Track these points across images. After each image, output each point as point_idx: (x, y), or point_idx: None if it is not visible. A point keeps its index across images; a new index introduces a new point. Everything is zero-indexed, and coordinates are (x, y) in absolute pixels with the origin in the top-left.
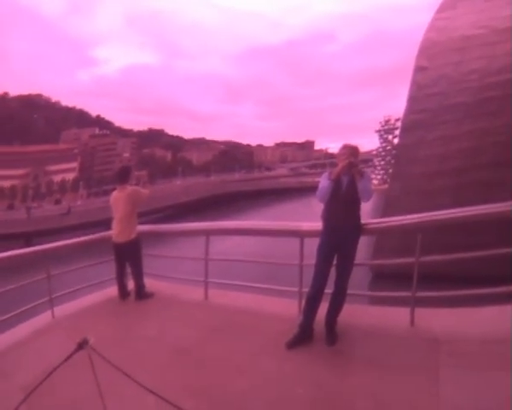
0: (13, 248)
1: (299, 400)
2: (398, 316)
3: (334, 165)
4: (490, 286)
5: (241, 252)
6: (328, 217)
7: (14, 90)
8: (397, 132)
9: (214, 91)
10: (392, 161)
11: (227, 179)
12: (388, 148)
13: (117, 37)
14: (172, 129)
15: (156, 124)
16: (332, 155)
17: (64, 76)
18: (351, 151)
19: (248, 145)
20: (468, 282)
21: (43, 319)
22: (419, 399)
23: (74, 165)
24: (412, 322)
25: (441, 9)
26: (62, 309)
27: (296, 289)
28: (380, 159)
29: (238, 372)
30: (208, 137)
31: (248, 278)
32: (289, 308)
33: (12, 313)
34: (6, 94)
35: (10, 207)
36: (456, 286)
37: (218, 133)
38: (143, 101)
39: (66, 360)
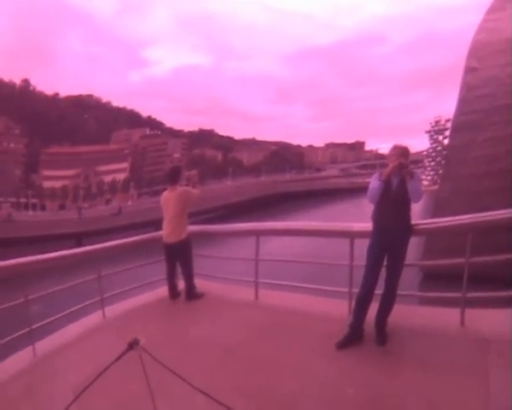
0: (64, 248)
1: (349, 400)
2: (448, 316)
3: (384, 166)
4: None
5: (290, 253)
6: (378, 218)
7: (65, 91)
8: (447, 133)
9: (265, 92)
10: (443, 162)
11: (277, 180)
12: (439, 149)
13: (168, 38)
14: (223, 129)
15: (207, 124)
16: (382, 156)
17: (115, 77)
18: (401, 152)
19: (299, 146)
20: None
21: (93, 318)
22: (469, 400)
23: (125, 165)
24: (462, 322)
25: (490, 11)
26: (113, 309)
27: (346, 289)
28: (430, 160)
29: (288, 373)
30: (259, 138)
31: (298, 278)
32: (339, 309)
33: (63, 313)
34: (57, 94)
35: (61, 207)
36: (506, 287)
37: (269, 134)
38: (194, 101)
39: (116, 360)
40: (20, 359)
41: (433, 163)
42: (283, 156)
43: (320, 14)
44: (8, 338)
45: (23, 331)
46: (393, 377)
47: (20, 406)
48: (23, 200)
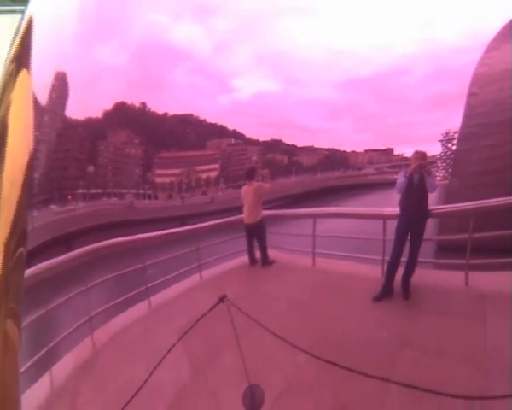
0: (171, 228)
1: (383, 340)
2: (455, 278)
3: (408, 166)
4: None
5: (338, 231)
6: (403, 205)
7: (172, 111)
8: (454, 141)
9: (319, 111)
10: (451, 163)
11: (329, 177)
12: (448, 153)
13: (248, 69)
14: (288, 139)
15: (276, 135)
16: (407, 159)
17: (209, 100)
18: (420, 155)
19: (344, 151)
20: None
21: (192, 280)
22: (470, 337)
23: (216, 166)
24: (466, 283)
25: (487, 50)
26: (208, 273)
27: (380, 258)
28: (442, 161)
29: (338, 319)
30: (316, 146)
31: (344, 249)
32: (375, 272)
33: (165, 278)
34: (166, 114)
35: (169, 197)
36: (504, 255)
37: (322, 142)
38: (267, 118)
39: (210, 310)
40: (138, 309)
41: (444, 164)
42: (333, 159)
43: (361, 51)
44: (128, 294)
45: (140, 289)
46: (415, 322)
47: (136, 344)
48: (141, 192)
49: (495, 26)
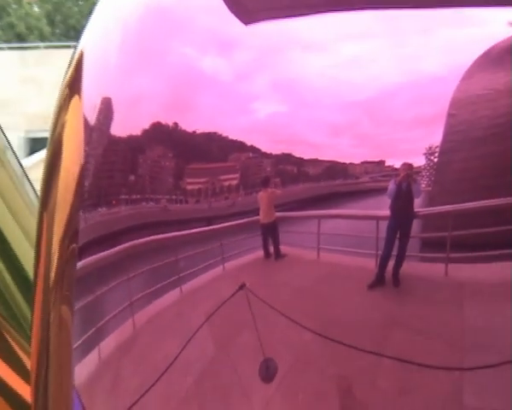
0: (199, 227)
1: (375, 321)
2: (437, 269)
3: (397, 175)
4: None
5: (336, 229)
6: (393, 208)
7: (199, 129)
8: (436, 154)
9: (324, 130)
10: (434, 173)
11: (331, 184)
12: (431, 164)
13: (265, 94)
14: (297, 153)
15: (287, 150)
16: (396, 169)
17: (230, 120)
18: (408, 166)
19: (344, 163)
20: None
21: (217, 271)
22: (450, 318)
23: (236, 175)
24: (446, 273)
25: (464, 78)
26: (230, 265)
27: (374, 252)
28: (426, 171)
29: (338, 303)
30: (320, 158)
31: (344, 245)
32: (369, 264)
33: (193, 269)
34: (194, 132)
35: (197, 201)
36: (484, 249)
37: (326, 156)
38: (279, 136)
39: (231, 296)
40: (171, 296)
41: (427, 173)
42: (334, 169)
43: (357, 80)
44: (163, 283)
45: (173, 279)
46: (403, 305)
47: (169, 325)
48: (173, 197)
49: (469, 58)
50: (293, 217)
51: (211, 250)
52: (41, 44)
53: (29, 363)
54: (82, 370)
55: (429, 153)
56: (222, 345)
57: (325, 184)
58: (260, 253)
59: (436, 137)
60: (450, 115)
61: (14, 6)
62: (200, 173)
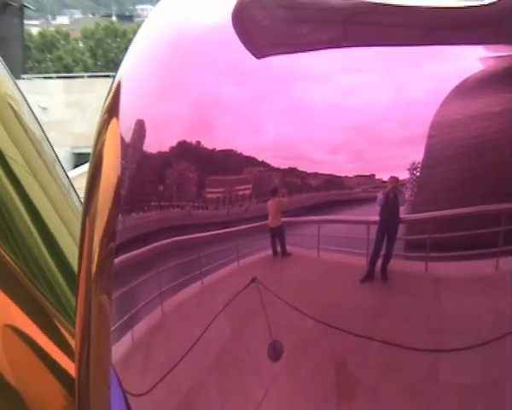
0: (217, 230)
1: (365, 307)
2: (419, 266)
3: (385, 187)
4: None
5: (334, 232)
6: (382, 214)
7: (218, 147)
8: (418, 169)
9: (324, 148)
10: (416, 185)
11: (329, 194)
12: (414, 178)
13: (274, 117)
14: (301, 168)
15: (292, 165)
16: (385, 182)
17: (244, 139)
18: (395, 179)
19: (340, 176)
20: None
21: (232, 267)
22: (429, 308)
23: (249, 186)
24: (426, 270)
25: (442, 105)
26: (243, 262)
27: (365, 252)
28: (409, 183)
29: (335, 294)
30: (320, 172)
31: (338, 246)
32: (362, 262)
33: (213, 265)
34: (214, 149)
35: (216, 208)
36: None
37: (325, 170)
38: (286, 152)
39: (244, 288)
40: (194, 287)
41: (411, 185)
42: (332, 182)
43: (353, 106)
44: (187, 277)
45: (195, 273)
46: (389, 297)
47: (193, 311)
48: (196, 204)
49: (447, 88)
50: (297, 222)
51: (227, 249)
52: (85, 74)
53: (73, 343)
54: (118, 349)
55: (412, 168)
56: (236, 329)
57: (324, 194)
58: (269, 252)
59: (418, 155)
60: (430, 136)
61: (62, 42)
62: (218, 184)
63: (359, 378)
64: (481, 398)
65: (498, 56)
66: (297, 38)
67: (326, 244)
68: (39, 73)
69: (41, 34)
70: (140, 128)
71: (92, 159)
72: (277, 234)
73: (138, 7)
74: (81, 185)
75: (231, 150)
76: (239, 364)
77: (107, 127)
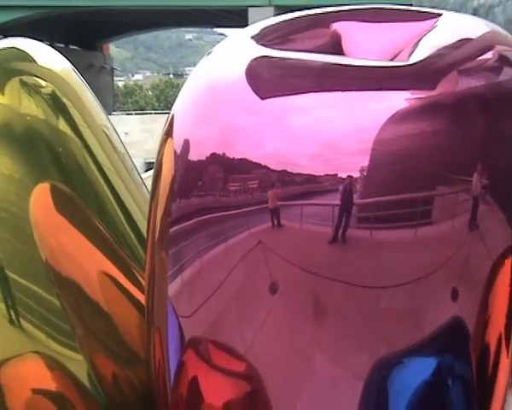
0: None
1: (333, 260)
2: (366, 233)
3: (344, 182)
4: None
5: None
6: (341, 199)
7: (236, 156)
8: (365, 171)
9: (305, 156)
10: (364, 181)
11: (308, 187)
12: (363, 176)
13: (274, 137)
14: (290, 170)
15: (288, 170)
16: (344, 179)
17: (251, 152)
18: (350, 177)
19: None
20: None
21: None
22: (371, 258)
23: (256, 182)
24: (371, 235)
25: (380, 129)
26: None
27: (331, 223)
28: (360, 179)
29: (312, 250)
30: (302, 172)
31: (314, 219)
32: (329, 230)
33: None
34: (233, 158)
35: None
36: None
37: (304, 170)
38: (281, 162)
39: (253, 247)
40: (220, 247)
41: (361, 181)
42: None
43: (324, 128)
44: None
45: (221, 238)
46: (347, 253)
47: (219, 263)
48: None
49: (383, 118)
50: (287, 204)
51: (242, 223)
52: (152, 112)
53: (144, 283)
54: (173, 287)
55: (362, 170)
56: (249, 274)
57: (305, 187)
58: (269, 224)
59: (366, 162)
60: (373, 149)
61: (138, 91)
62: (236, 181)
63: (328, 306)
64: (410, 320)
65: (417, 98)
66: (287, 86)
67: (306, 219)
68: (123, 111)
69: (124, 86)
70: (186, 145)
71: (155, 165)
72: (274, 213)
73: (187, 68)
74: (149, 183)
75: (245, 159)
76: (250, 296)
77: (165, 144)
